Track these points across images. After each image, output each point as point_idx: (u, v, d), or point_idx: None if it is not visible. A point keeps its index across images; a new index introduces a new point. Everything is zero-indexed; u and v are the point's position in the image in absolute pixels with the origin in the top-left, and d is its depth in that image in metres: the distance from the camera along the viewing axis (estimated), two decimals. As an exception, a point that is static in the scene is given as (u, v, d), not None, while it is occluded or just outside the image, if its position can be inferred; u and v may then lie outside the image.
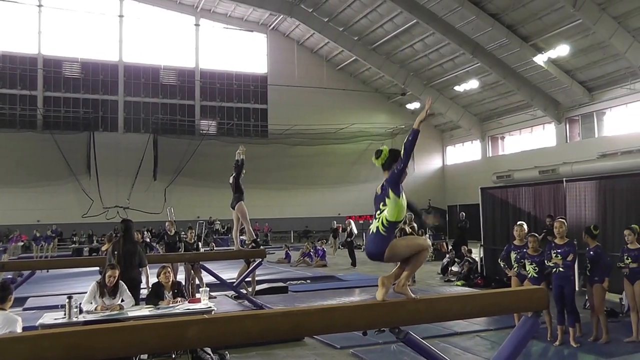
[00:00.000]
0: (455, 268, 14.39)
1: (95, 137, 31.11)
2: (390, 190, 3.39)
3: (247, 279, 10.80)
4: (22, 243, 24.85)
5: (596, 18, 21.01)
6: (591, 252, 6.96)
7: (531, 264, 7.05)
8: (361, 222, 29.20)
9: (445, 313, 3.54)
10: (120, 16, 33.10)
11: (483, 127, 33.92)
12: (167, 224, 11.21)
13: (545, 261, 6.95)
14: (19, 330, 4.39)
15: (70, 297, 5.92)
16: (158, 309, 6.40)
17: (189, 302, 6.72)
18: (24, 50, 31.35)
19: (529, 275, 7.05)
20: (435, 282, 13.65)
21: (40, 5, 31.61)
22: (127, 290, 6.51)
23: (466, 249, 14.48)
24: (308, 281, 13.88)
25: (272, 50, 35.80)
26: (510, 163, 29.26)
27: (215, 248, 20.92)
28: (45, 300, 10.50)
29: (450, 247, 17.15)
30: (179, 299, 6.70)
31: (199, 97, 34.74)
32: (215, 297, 9.98)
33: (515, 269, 7.30)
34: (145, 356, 5.92)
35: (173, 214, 19.95)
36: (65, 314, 5.83)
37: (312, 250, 18.60)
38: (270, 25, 35.18)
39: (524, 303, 3.69)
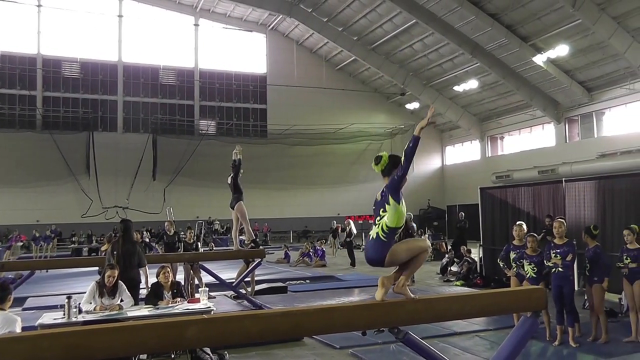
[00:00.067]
0: (454, 268, 14.40)
1: (95, 137, 31.10)
2: (390, 197, 3.39)
3: (246, 279, 10.79)
4: (22, 243, 24.84)
5: (595, 18, 21.01)
6: (590, 252, 6.97)
7: (530, 264, 7.05)
8: (360, 222, 29.21)
9: (444, 313, 3.54)
10: (120, 16, 33.09)
11: (482, 127, 33.93)
12: (166, 224, 11.21)
13: (545, 261, 6.96)
14: (18, 330, 4.38)
15: (69, 297, 5.93)
16: (157, 309, 6.40)
17: (188, 302, 6.72)
18: (23, 50, 31.34)
19: (528, 276, 7.04)
20: (434, 282, 13.65)
21: (39, 5, 31.59)
22: (127, 290, 6.51)
23: (465, 249, 14.48)
24: (307, 281, 13.89)
25: (271, 50, 35.80)
26: (510, 163, 29.29)
27: (214, 248, 20.92)
28: (45, 301, 10.50)
29: (449, 247, 17.15)
30: (178, 299, 6.70)
31: (198, 97, 34.74)
32: (214, 297, 10.00)
33: (514, 269, 7.30)
34: (144, 356, 5.92)
35: (172, 214, 19.97)
36: (64, 314, 5.83)
37: (311, 251, 18.60)
38: (269, 25, 35.18)
39: (523, 303, 3.69)
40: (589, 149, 24.92)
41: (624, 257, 6.82)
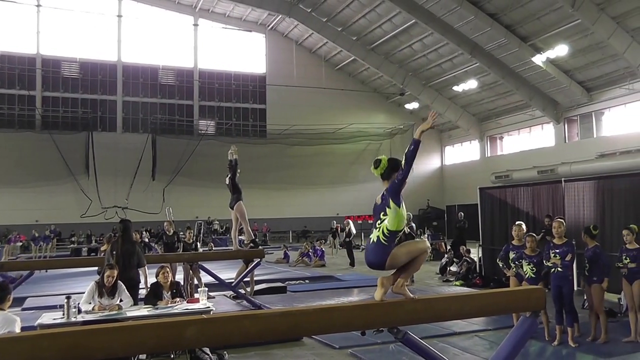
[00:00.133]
0: (453, 268, 14.40)
1: (94, 137, 31.07)
2: (390, 200, 3.39)
3: (245, 279, 10.79)
4: (21, 243, 24.84)
5: (595, 18, 21.02)
6: (590, 252, 6.97)
7: (529, 264, 7.05)
8: (360, 222, 29.20)
9: (443, 313, 3.54)
10: (119, 16, 33.08)
11: (482, 127, 33.94)
12: (165, 224, 11.20)
13: (544, 261, 6.96)
14: (17, 330, 4.38)
15: (68, 297, 5.93)
16: (157, 309, 6.40)
17: (187, 302, 6.72)
18: (23, 50, 31.32)
19: (527, 276, 7.04)
20: (433, 282, 13.65)
21: (38, 5, 31.57)
22: (126, 290, 6.51)
23: (465, 249, 14.48)
24: (306, 281, 13.88)
25: (270, 50, 35.81)
26: (509, 163, 29.30)
27: (213, 248, 20.92)
28: (44, 301, 10.49)
29: (448, 247, 17.15)
30: (178, 299, 6.70)
31: (197, 97, 34.74)
32: (213, 297, 10.00)
33: (514, 269, 7.31)
34: (143, 356, 5.92)
35: (171, 214, 19.95)
36: (63, 314, 5.83)
37: (310, 250, 18.60)
38: (268, 25, 35.17)
39: (522, 303, 3.70)
40: (588, 149, 24.94)
41: (623, 257, 6.82)
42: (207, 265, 10.54)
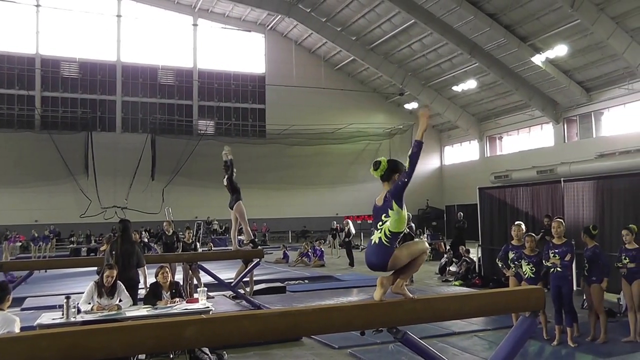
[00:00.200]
0: (453, 268, 14.39)
1: (93, 137, 31.08)
2: (393, 202, 3.39)
3: (245, 279, 10.79)
4: (20, 243, 24.83)
5: (594, 18, 21.04)
6: (589, 252, 6.97)
7: (528, 264, 7.05)
8: (359, 222, 29.19)
9: (443, 313, 3.54)
10: (118, 16, 33.07)
11: (481, 127, 33.96)
12: (164, 224, 11.20)
13: (543, 261, 6.96)
14: (17, 330, 4.38)
15: (68, 297, 5.92)
16: (156, 309, 6.39)
17: (186, 302, 6.71)
18: (22, 50, 31.32)
19: (526, 276, 7.04)
20: (433, 282, 13.66)
21: (38, 5, 31.57)
22: (125, 290, 6.51)
23: (464, 249, 14.48)
24: (306, 281, 13.88)
25: (270, 50, 35.81)
26: (508, 163, 29.32)
27: (213, 248, 20.92)
28: (43, 301, 10.47)
29: (448, 247, 17.15)
30: (177, 299, 6.70)
31: (196, 97, 34.74)
32: (213, 297, 9.99)
33: (513, 269, 7.31)
34: (143, 356, 5.91)
35: (171, 214, 19.96)
36: (63, 314, 5.82)
37: (310, 251, 18.60)
38: (268, 25, 35.18)
39: (522, 303, 3.69)
40: (588, 149, 24.96)
41: (623, 257, 6.82)
42: (206, 265, 10.54)
